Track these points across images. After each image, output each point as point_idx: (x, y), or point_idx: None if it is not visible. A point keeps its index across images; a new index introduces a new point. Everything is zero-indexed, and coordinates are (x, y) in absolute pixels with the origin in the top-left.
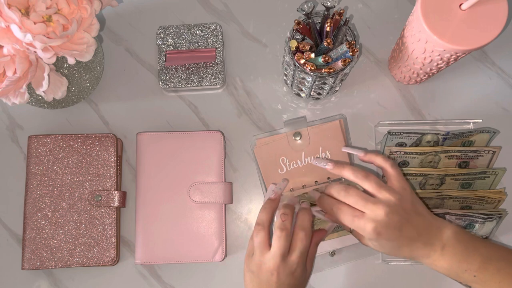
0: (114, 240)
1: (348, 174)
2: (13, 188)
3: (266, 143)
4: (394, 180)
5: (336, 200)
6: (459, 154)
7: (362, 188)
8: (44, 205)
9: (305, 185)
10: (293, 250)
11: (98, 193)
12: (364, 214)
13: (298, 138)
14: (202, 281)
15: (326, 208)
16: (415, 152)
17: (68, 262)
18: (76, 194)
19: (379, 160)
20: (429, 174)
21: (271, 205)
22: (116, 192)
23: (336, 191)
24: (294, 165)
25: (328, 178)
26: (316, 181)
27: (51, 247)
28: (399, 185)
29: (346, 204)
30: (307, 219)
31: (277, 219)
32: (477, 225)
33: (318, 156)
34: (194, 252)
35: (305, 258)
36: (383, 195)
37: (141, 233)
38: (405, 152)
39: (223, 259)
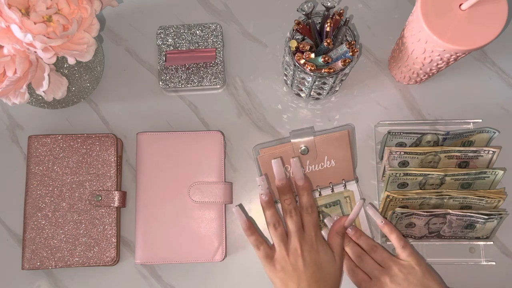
0: (114, 240)
1: (393, 237)
2: (13, 188)
3: (271, 153)
4: (404, 258)
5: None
6: (459, 154)
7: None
8: (44, 205)
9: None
10: (306, 226)
11: (98, 193)
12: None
13: (305, 153)
14: (202, 281)
15: (352, 252)
16: (415, 152)
17: (68, 262)
18: (76, 194)
19: (393, 239)
20: (429, 174)
21: (270, 203)
22: (116, 192)
23: (366, 245)
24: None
25: (330, 183)
26: (317, 186)
27: (51, 247)
28: (407, 263)
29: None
30: (307, 195)
31: (281, 206)
32: (477, 226)
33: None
34: (194, 252)
35: (320, 232)
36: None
37: (141, 233)
38: (405, 152)
39: (223, 259)
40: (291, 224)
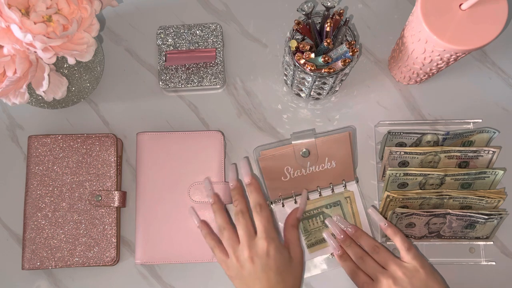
0: (114, 240)
1: (397, 239)
2: (13, 188)
3: (271, 155)
4: (408, 261)
5: (363, 252)
6: (459, 154)
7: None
8: (44, 205)
9: (306, 190)
10: (257, 227)
11: (98, 193)
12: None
13: (306, 156)
14: (202, 281)
15: (353, 255)
16: (415, 152)
17: (68, 262)
18: (76, 194)
19: (397, 241)
20: (429, 174)
21: (219, 206)
22: (116, 192)
23: (368, 245)
24: (298, 173)
25: (330, 183)
26: (318, 186)
27: (51, 247)
28: (411, 266)
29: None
30: (255, 193)
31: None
32: (478, 225)
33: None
34: (194, 252)
35: (273, 231)
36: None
37: (141, 233)
38: (405, 152)
39: None
40: (239, 228)
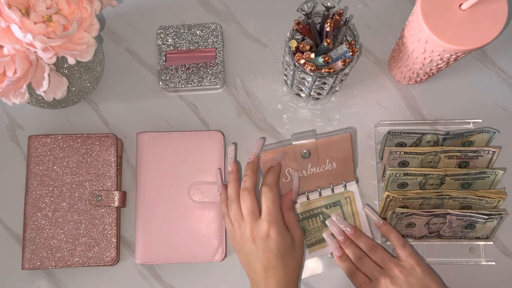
0: (114, 240)
1: (392, 236)
2: (13, 188)
3: (272, 156)
4: (404, 259)
5: (362, 252)
6: (459, 154)
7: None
8: (44, 205)
9: (306, 190)
10: (262, 209)
11: (98, 193)
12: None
13: (306, 157)
14: (202, 281)
15: (352, 256)
16: (415, 152)
17: (68, 262)
18: (76, 194)
19: (392, 238)
20: (429, 174)
21: (234, 177)
22: (116, 192)
23: (366, 245)
24: (299, 174)
25: (330, 184)
26: (318, 186)
27: (51, 247)
28: (408, 264)
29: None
30: (271, 174)
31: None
32: (478, 225)
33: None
34: (194, 252)
35: (277, 214)
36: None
37: (141, 233)
38: (405, 152)
39: (223, 259)
40: (243, 207)
